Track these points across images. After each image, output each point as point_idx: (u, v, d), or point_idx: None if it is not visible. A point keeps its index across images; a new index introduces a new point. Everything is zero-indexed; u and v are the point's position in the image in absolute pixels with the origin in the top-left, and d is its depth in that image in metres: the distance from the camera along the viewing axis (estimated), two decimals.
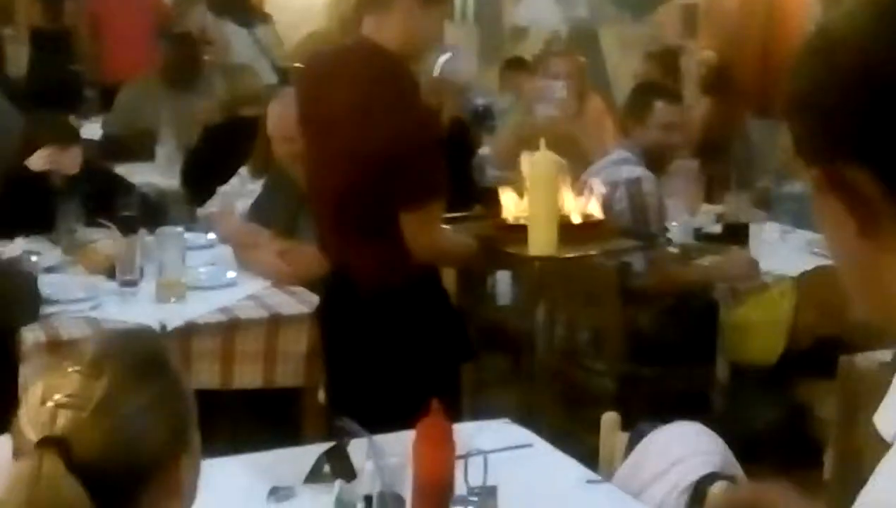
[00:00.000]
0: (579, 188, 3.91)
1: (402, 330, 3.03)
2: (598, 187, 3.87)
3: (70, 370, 1.41)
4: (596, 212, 3.72)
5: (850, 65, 0.95)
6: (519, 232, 3.71)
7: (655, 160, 4.26)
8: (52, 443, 1.34)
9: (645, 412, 3.81)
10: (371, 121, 2.91)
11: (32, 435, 1.35)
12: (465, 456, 2.09)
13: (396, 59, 2.98)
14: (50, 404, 1.37)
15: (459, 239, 3.33)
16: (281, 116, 3.96)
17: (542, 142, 3.55)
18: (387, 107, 2.93)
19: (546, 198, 3.54)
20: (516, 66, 7.48)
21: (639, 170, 4.17)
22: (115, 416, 1.37)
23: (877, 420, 1.01)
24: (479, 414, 4.10)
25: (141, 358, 1.47)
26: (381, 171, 2.89)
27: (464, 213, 4.22)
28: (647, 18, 7.45)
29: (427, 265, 3.06)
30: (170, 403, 1.45)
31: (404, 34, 2.98)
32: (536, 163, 3.52)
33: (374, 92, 2.95)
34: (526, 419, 3.88)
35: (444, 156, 3.05)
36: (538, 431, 2.71)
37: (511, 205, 3.84)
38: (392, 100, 2.94)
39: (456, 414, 2.88)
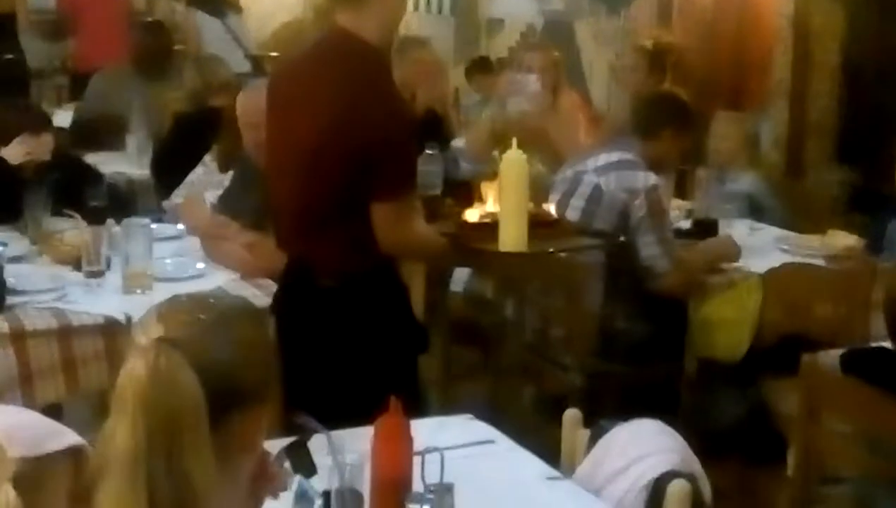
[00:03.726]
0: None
1: (358, 320, 3.03)
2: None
3: (184, 300, 1.53)
4: (551, 211, 3.79)
5: None
6: (488, 228, 3.73)
7: (652, 165, 4.27)
8: (168, 341, 1.40)
9: (613, 407, 3.84)
10: (350, 112, 2.91)
11: (145, 342, 1.41)
12: (423, 453, 2.09)
13: (375, 50, 3.00)
14: (165, 319, 1.45)
15: (431, 233, 3.33)
16: (249, 104, 3.95)
17: (514, 140, 3.57)
18: (367, 98, 2.93)
19: (516, 196, 3.57)
20: (481, 66, 7.54)
21: (653, 177, 4.18)
22: (225, 336, 1.46)
23: None
24: (448, 407, 4.12)
25: (251, 308, 1.64)
26: (356, 162, 2.90)
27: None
28: (622, 12, 7.45)
29: (385, 256, 3.05)
30: (267, 351, 1.55)
31: (382, 25, 3.01)
32: (507, 160, 3.54)
33: (355, 83, 2.95)
34: (494, 413, 3.90)
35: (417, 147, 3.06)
36: (505, 425, 2.71)
37: (482, 202, 3.86)
38: (373, 92, 2.95)
39: (416, 407, 2.88)
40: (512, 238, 3.56)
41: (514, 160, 3.54)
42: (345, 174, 2.93)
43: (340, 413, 2.37)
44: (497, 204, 3.72)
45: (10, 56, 7.73)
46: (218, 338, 1.45)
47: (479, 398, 4.57)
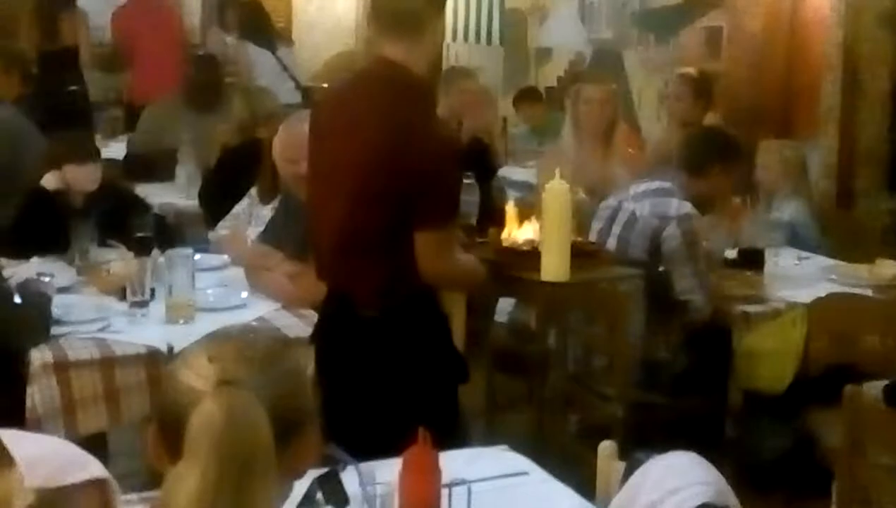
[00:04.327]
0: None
1: (398, 350, 3.03)
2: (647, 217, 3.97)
3: (225, 339, 1.54)
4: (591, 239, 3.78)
5: None
6: (530, 257, 3.73)
7: (703, 202, 4.25)
8: (232, 383, 1.43)
9: (656, 439, 3.80)
10: (394, 142, 2.92)
11: (202, 385, 1.43)
12: (450, 486, 2.09)
13: (419, 80, 3.02)
14: (217, 360, 1.47)
15: (472, 262, 3.33)
16: (287, 139, 3.98)
17: (558, 171, 3.58)
18: (412, 128, 2.93)
19: (559, 226, 3.57)
20: (529, 96, 7.57)
21: (687, 206, 4.16)
22: (276, 369, 1.50)
23: None
24: (491, 437, 4.10)
25: (284, 338, 1.72)
26: (399, 192, 2.91)
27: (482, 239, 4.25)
28: (671, 41, 7.44)
29: (426, 286, 3.06)
30: (306, 375, 1.59)
31: (429, 56, 3.04)
32: (550, 191, 3.55)
33: (399, 113, 2.96)
34: (538, 443, 3.88)
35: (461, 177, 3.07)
36: (549, 456, 2.69)
37: (521, 231, 3.87)
38: (417, 122, 2.95)
39: (456, 438, 2.87)
40: (554, 267, 3.57)
41: (557, 190, 3.54)
42: (387, 204, 2.94)
43: (380, 443, 2.37)
44: (538, 232, 3.74)
45: (74, 87, 7.85)
46: (271, 373, 1.48)
47: (523, 428, 4.55)
